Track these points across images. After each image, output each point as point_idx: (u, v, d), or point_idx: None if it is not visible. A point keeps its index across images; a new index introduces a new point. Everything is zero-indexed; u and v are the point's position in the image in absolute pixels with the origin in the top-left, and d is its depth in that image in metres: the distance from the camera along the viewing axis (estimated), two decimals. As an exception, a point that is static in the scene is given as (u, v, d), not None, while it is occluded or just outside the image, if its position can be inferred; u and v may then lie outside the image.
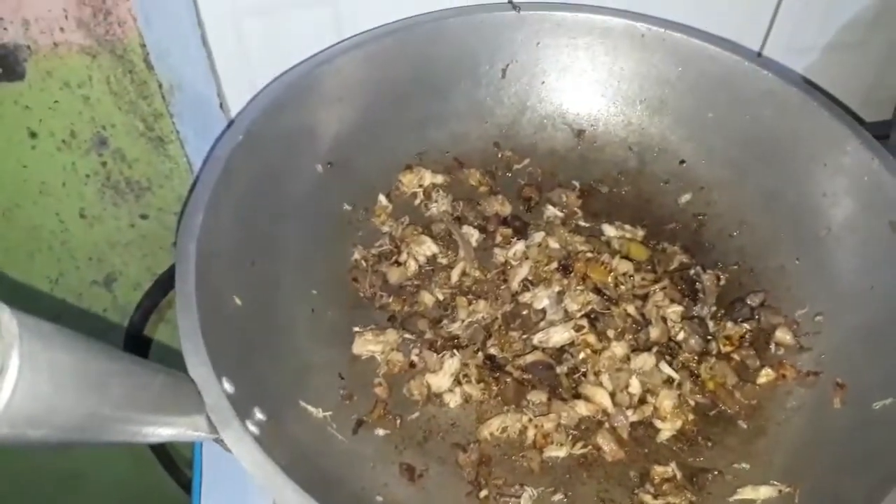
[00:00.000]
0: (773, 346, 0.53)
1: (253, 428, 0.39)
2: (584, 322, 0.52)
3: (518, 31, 0.62)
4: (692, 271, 0.56)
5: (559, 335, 0.52)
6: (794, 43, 0.69)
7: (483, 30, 0.62)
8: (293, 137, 0.56)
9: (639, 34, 0.61)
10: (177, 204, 0.78)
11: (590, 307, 0.53)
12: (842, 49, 0.71)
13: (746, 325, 0.53)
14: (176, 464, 0.91)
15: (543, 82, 0.64)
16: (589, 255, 0.56)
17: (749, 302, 0.54)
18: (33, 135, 0.68)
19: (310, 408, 0.48)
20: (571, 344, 0.52)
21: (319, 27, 0.62)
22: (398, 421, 0.50)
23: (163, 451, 0.88)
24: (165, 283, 0.70)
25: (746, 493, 0.45)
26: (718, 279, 0.56)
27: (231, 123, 0.52)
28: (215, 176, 0.48)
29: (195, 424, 0.36)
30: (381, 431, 0.49)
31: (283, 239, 0.54)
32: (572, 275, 0.55)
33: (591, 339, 0.51)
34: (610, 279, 0.54)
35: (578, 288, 0.54)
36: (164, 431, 0.35)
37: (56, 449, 0.29)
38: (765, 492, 0.45)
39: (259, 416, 0.41)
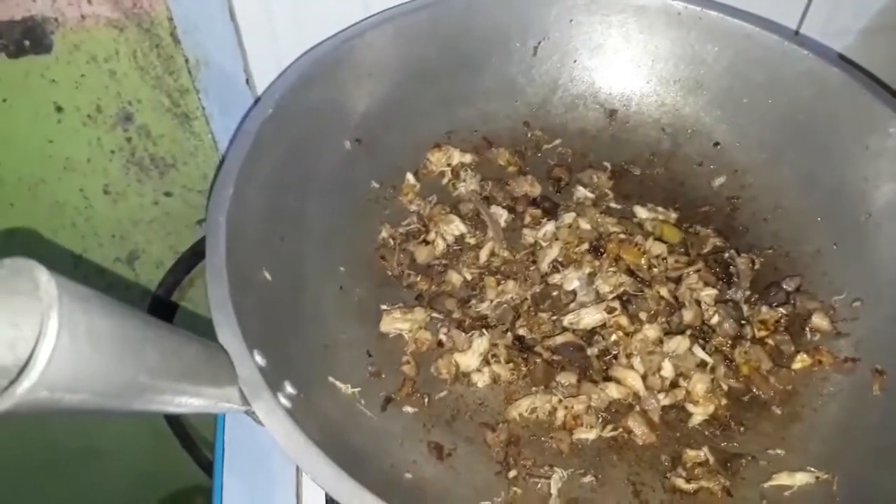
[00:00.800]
0: (808, 332, 0.52)
1: (284, 401, 0.38)
2: (616, 304, 0.51)
3: (551, 8, 0.61)
4: (726, 254, 0.55)
5: (591, 317, 0.51)
6: (831, 25, 0.67)
7: (515, 5, 0.61)
8: (322, 113, 0.55)
9: (675, 12, 0.60)
10: (201, 182, 0.78)
11: (622, 289, 0.52)
12: (879, 32, 0.69)
13: (782, 310, 0.52)
14: (195, 442, 0.91)
15: (575, 61, 0.63)
16: (622, 236, 0.55)
17: (785, 286, 0.53)
18: (59, 109, 0.68)
19: (338, 384, 0.47)
20: (603, 326, 0.51)
21: (347, 3, 0.61)
22: (426, 399, 0.49)
23: (181, 430, 0.88)
24: (189, 260, 0.69)
25: (782, 478, 0.45)
26: (753, 263, 0.55)
27: (260, 98, 0.51)
28: (245, 149, 0.48)
29: (227, 396, 0.36)
30: (409, 409, 0.49)
31: (312, 215, 0.54)
32: (604, 256, 0.54)
33: (624, 321, 0.51)
34: (643, 261, 0.53)
35: (610, 269, 0.53)
36: (195, 402, 0.34)
37: (91, 415, 0.29)
38: (801, 478, 0.44)
39: (290, 389, 0.41)
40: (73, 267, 0.79)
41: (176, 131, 0.72)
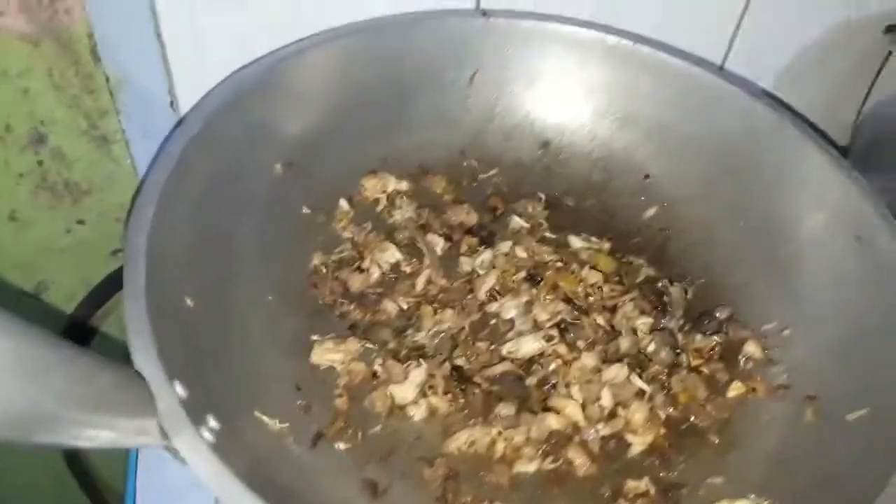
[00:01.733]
0: (741, 360, 0.53)
1: (208, 435, 0.35)
2: (555, 332, 0.50)
3: (487, 39, 0.61)
4: (660, 284, 0.55)
5: (529, 345, 0.50)
6: (754, 63, 0.70)
7: (452, 34, 0.60)
8: (251, 134, 0.53)
9: (609, 46, 0.61)
10: (118, 209, 0.74)
11: (560, 317, 0.51)
12: (799, 72, 0.72)
13: (715, 338, 0.53)
14: (98, 488, 0.85)
15: (511, 91, 0.63)
16: (559, 264, 0.54)
17: (717, 314, 0.54)
18: (-36, 127, 0.63)
19: (265, 418, 0.44)
20: (541, 355, 0.50)
21: (279, 27, 0.59)
22: (360, 434, 0.47)
23: (83, 474, 0.82)
24: (112, 284, 0.65)
25: (723, 507, 0.44)
26: (686, 292, 0.56)
27: (185, 115, 0.48)
28: (168, 169, 0.45)
29: (144, 428, 0.33)
30: (341, 445, 0.46)
31: (239, 240, 0.51)
32: (541, 284, 0.53)
33: (562, 349, 0.50)
34: (580, 289, 0.53)
35: (548, 297, 0.53)
36: (108, 434, 0.31)
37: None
38: (743, 506, 0.44)
39: (213, 423, 0.38)
40: (-29, 299, 0.74)
41: (93, 155, 0.68)
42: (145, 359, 0.36)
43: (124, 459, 0.89)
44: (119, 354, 0.76)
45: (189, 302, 0.44)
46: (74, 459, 0.80)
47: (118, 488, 0.93)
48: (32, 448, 0.27)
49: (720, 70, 0.67)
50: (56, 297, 0.79)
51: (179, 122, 0.48)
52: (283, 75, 0.55)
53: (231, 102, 0.50)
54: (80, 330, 0.73)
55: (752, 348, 0.52)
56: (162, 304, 0.40)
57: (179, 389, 0.36)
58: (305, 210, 0.57)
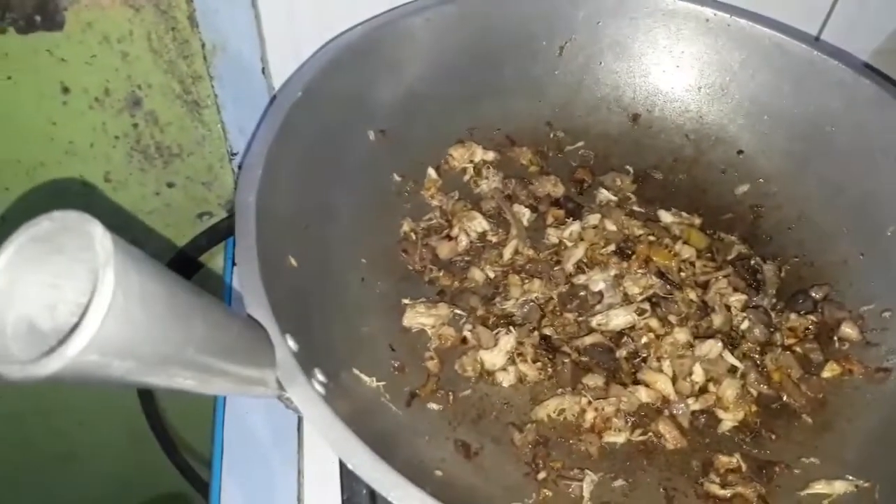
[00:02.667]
0: (837, 341, 0.51)
1: (318, 387, 0.36)
2: (647, 306, 0.50)
3: (579, 9, 0.60)
4: (752, 261, 0.55)
5: (620, 318, 0.50)
6: (851, 37, 0.67)
7: (543, 5, 0.60)
8: (349, 100, 0.54)
9: (703, 18, 0.60)
10: (206, 173, 0.75)
11: (652, 291, 0.51)
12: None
13: (811, 318, 0.52)
14: (175, 446, 0.88)
15: (601, 63, 0.62)
16: (651, 238, 0.54)
17: (812, 294, 0.53)
18: (66, 90, 0.65)
19: (363, 376, 0.45)
20: (631, 328, 0.50)
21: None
22: (451, 396, 0.48)
23: (163, 432, 0.85)
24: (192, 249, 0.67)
25: (820, 487, 0.44)
26: (780, 270, 0.54)
27: (289, 80, 0.49)
28: (274, 131, 0.46)
29: (263, 379, 0.34)
30: (434, 406, 0.47)
31: (336, 204, 0.52)
32: (633, 258, 0.53)
33: (654, 323, 0.50)
34: (673, 264, 0.52)
35: (640, 271, 0.52)
36: (231, 382, 0.32)
37: (126, 387, 0.27)
38: (840, 487, 0.43)
39: (320, 377, 0.39)
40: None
41: (184, 119, 0.70)
42: (260, 313, 0.37)
43: (202, 416, 0.92)
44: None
45: (293, 261, 0.45)
46: (153, 416, 0.83)
47: (195, 446, 0.97)
48: (167, 391, 0.28)
49: (816, 41, 0.64)
50: (143, 258, 0.82)
51: (282, 88, 0.49)
52: (378, 43, 0.55)
53: (329, 69, 0.51)
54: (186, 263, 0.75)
55: (848, 330, 0.51)
56: (270, 263, 0.41)
57: (291, 343, 0.37)
58: (396, 177, 0.58)
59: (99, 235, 0.24)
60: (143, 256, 0.26)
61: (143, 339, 0.25)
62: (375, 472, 0.33)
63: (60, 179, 0.72)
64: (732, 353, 0.49)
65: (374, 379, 0.46)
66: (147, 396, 0.82)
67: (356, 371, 0.45)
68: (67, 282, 0.27)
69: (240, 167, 0.73)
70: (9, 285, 0.25)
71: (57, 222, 0.25)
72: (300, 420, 0.57)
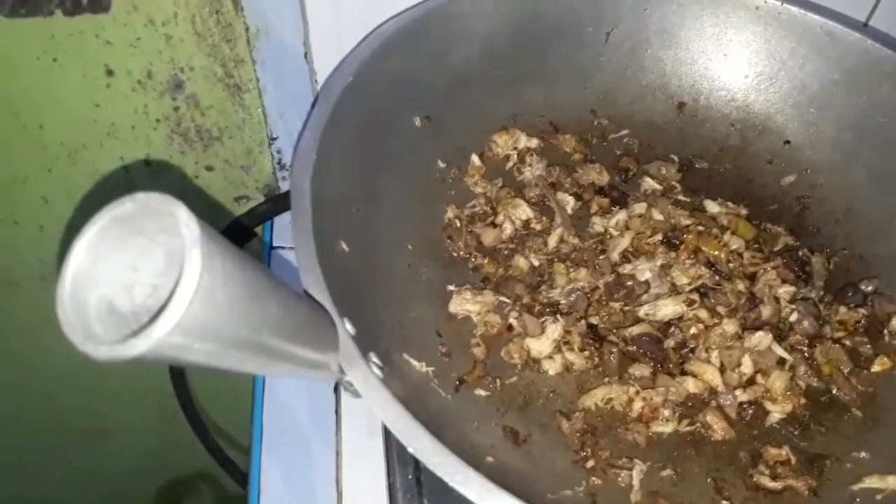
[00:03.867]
0: (887, 335, 0.51)
1: (377, 370, 0.37)
2: (696, 296, 0.50)
3: (628, -2, 0.60)
4: (800, 253, 0.54)
5: (669, 308, 0.50)
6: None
7: (591, -9, 0.59)
8: (396, 86, 0.53)
9: (753, 6, 0.59)
10: (245, 157, 0.76)
11: (700, 281, 0.51)
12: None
13: (861, 311, 0.51)
14: (205, 426, 0.89)
15: (647, 50, 0.62)
16: (700, 228, 0.53)
17: (863, 287, 0.52)
18: (110, 72, 0.66)
19: (413, 361, 0.46)
20: (679, 318, 0.50)
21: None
22: (497, 383, 0.48)
23: (193, 412, 0.86)
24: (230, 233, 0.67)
25: (872, 482, 0.43)
26: (828, 262, 0.54)
27: (340, 64, 0.49)
28: (326, 116, 0.46)
29: (326, 362, 0.34)
30: (481, 392, 0.47)
31: (382, 190, 0.52)
32: (681, 248, 0.53)
33: (703, 314, 0.49)
34: (722, 255, 0.52)
35: (688, 261, 0.52)
36: (297, 366, 0.33)
37: (202, 370, 0.27)
38: (894, 482, 0.43)
39: (375, 359, 0.39)
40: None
41: (225, 103, 0.70)
42: (320, 297, 0.37)
43: (232, 398, 0.93)
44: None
45: (344, 246, 0.45)
46: (185, 397, 0.84)
47: (225, 427, 0.98)
48: (237, 374, 0.29)
49: (864, 27, 0.63)
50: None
51: (334, 72, 0.49)
52: (426, 28, 0.55)
53: (379, 54, 0.51)
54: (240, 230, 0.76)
55: (899, 323, 0.50)
56: (324, 246, 0.41)
57: (349, 327, 0.37)
58: (440, 164, 0.57)
59: (184, 218, 0.24)
60: (223, 239, 0.26)
61: (224, 320, 0.25)
62: (436, 457, 0.33)
63: (101, 162, 0.72)
64: (781, 345, 0.49)
65: (424, 364, 0.46)
66: (179, 378, 0.83)
67: (406, 356, 0.45)
68: (145, 263, 0.27)
69: (279, 154, 0.73)
70: (91, 265, 0.26)
71: (139, 203, 0.25)
72: (338, 403, 0.58)
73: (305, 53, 0.65)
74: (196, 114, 0.71)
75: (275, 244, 0.73)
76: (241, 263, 0.26)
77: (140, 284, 0.27)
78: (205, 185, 0.77)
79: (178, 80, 0.68)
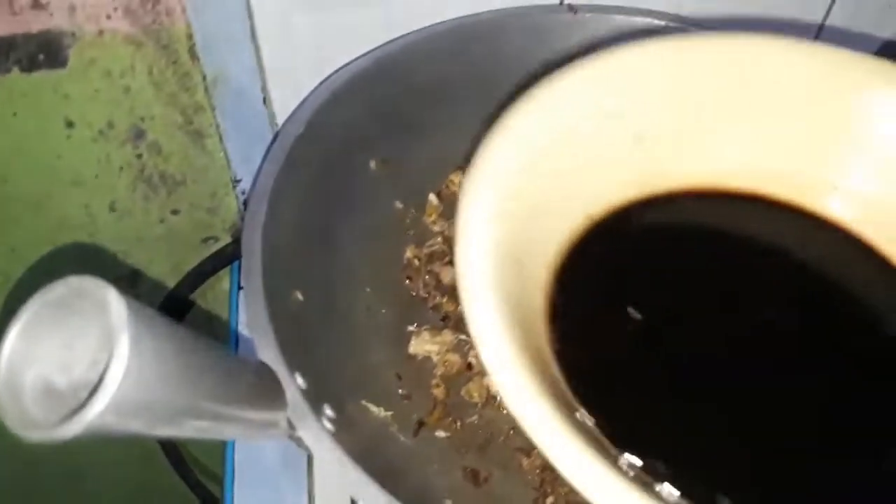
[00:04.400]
0: None
1: (328, 425, 0.37)
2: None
3: (574, 34, 0.61)
4: None
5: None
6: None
7: (538, 31, 0.61)
8: (350, 132, 0.54)
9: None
10: (210, 200, 0.77)
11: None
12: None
13: None
14: (185, 462, 0.89)
15: (598, 84, 0.63)
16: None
17: None
18: (70, 124, 0.67)
19: (372, 407, 0.46)
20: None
21: (369, 27, 0.61)
22: (458, 423, 0.48)
23: (173, 450, 0.86)
24: (214, 263, 0.68)
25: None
26: None
27: (293, 114, 0.50)
28: (277, 168, 0.47)
29: (274, 421, 0.35)
30: (441, 433, 0.48)
31: (338, 235, 0.53)
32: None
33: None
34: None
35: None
36: (240, 428, 0.33)
37: (140, 440, 0.28)
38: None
39: (329, 412, 0.40)
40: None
41: (187, 149, 0.71)
42: (270, 354, 0.38)
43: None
44: (209, 331, 0.79)
45: (299, 296, 0.46)
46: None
47: (207, 464, 0.98)
48: (181, 440, 0.29)
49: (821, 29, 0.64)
50: (148, 284, 0.83)
51: (285, 123, 0.50)
52: (376, 75, 0.56)
53: (330, 102, 0.52)
54: (177, 304, 0.77)
55: None
56: (276, 299, 0.42)
57: (300, 381, 0.38)
58: (398, 204, 0.58)
59: (114, 301, 0.25)
60: (156, 316, 0.26)
61: (157, 397, 0.26)
62: (387, 511, 0.34)
63: (66, 210, 0.73)
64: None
65: (382, 409, 0.47)
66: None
67: (364, 402, 0.46)
68: (82, 341, 0.28)
69: (248, 193, 0.74)
70: (25, 348, 0.26)
71: (72, 287, 0.25)
72: (309, 445, 0.58)
73: (264, 98, 0.66)
74: (159, 160, 0.72)
75: (242, 284, 0.73)
76: (176, 340, 0.27)
77: (78, 361, 0.28)
78: (170, 228, 0.78)
79: (139, 129, 0.69)
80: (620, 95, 0.44)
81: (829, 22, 0.65)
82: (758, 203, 0.48)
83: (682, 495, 0.33)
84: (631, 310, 0.41)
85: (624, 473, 0.28)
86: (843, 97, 0.46)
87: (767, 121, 0.47)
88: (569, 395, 0.35)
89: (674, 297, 0.44)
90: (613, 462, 0.30)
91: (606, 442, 0.33)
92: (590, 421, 0.34)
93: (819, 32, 0.65)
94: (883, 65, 0.45)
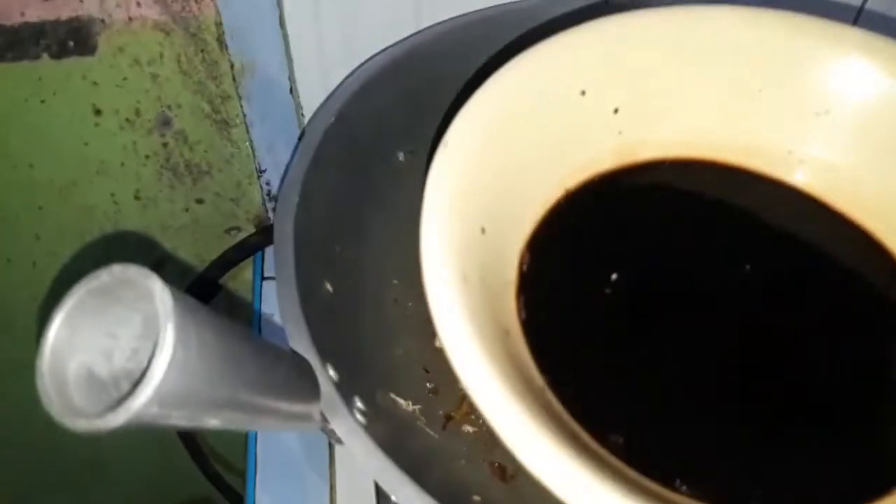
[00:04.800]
0: None
1: (360, 417, 0.37)
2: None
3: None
4: None
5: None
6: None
7: (570, 20, 0.60)
8: (379, 123, 0.54)
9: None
10: (234, 189, 0.77)
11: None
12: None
13: None
14: (203, 453, 0.89)
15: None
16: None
17: None
18: (98, 112, 0.67)
19: (400, 400, 0.46)
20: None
21: (398, 16, 0.60)
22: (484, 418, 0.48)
23: (191, 441, 0.86)
24: (243, 250, 0.68)
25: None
26: None
27: (324, 103, 0.50)
28: (309, 157, 0.47)
29: (308, 413, 0.35)
30: (468, 428, 0.48)
31: (366, 226, 0.53)
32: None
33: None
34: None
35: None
36: (275, 420, 0.33)
37: (184, 430, 0.27)
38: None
39: (360, 405, 0.39)
40: (99, 273, 0.78)
41: (213, 138, 0.71)
42: (302, 345, 0.37)
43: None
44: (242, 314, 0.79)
45: (329, 287, 0.46)
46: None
47: (222, 451, 0.99)
48: (220, 431, 0.29)
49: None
50: (172, 272, 0.83)
51: (315, 114, 0.49)
52: (405, 66, 0.56)
53: (360, 94, 0.52)
54: (201, 292, 0.77)
55: None
56: (308, 290, 0.42)
57: (332, 373, 0.38)
58: (425, 197, 0.58)
59: (158, 291, 0.24)
60: (199, 306, 0.26)
61: (201, 388, 0.26)
62: (419, 504, 0.34)
63: (92, 198, 0.73)
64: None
65: (410, 402, 0.46)
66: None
67: (392, 395, 0.46)
68: (123, 329, 0.28)
69: (269, 186, 0.74)
70: (69, 336, 0.26)
71: (115, 276, 0.25)
72: (332, 436, 0.58)
73: (291, 88, 0.66)
74: (185, 149, 0.72)
75: (266, 275, 0.73)
76: (218, 330, 0.27)
77: (119, 349, 0.28)
78: (195, 217, 0.78)
79: (166, 118, 0.69)
80: (595, 69, 0.45)
81: (868, 6, 0.64)
82: (730, 172, 0.49)
83: (640, 473, 0.34)
84: (601, 277, 0.42)
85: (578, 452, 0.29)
86: (807, 65, 0.46)
87: (734, 91, 0.48)
88: (532, 366, 0.36)
89: (645, 264, 0.45)
90: (571, 440, 0.30)
91: (565, 414, 0.34)
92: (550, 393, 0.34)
93: (857, 16, 0.64)
94: (848, 31, 0.45)
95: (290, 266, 0.41)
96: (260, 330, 0.65)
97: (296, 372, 0.34)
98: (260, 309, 0.67)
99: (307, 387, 0.34)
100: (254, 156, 0.72)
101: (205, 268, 0.77)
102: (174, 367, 0.24)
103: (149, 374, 0.23)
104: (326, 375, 0.37)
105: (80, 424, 0.24)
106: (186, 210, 0.78)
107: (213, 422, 0.28)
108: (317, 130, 0.48)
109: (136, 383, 0.24)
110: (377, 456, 0.35)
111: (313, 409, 0.35)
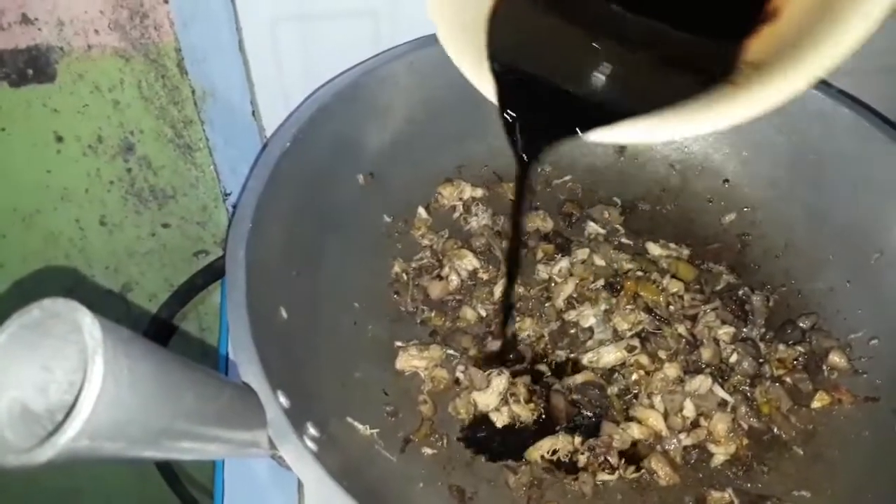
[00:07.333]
0: (825, 370, 0.52)
1: (310, 444, 0.37)
2: (636, 342, 0.51)
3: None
4: (741, 292, 0.55)
5: (610, 355, 0.50)
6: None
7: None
8: (337, 146, 0.54)
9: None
10: (200, 213, 0.76)
11: (641, 327, 0.52)
12: (873, 74, 0.70)
13: (799, 348, 0.52)
14: (178, 478, 0.88)
15: (585, 97, 0.63)
16: (639, 273, 0.54)
17: (800, 324, 0.53)
18: (59, 139, 0.67)
19: (357, 424, 0.46)
20: (622, 364, 0.51)
21: (357, 39, 0.61)
22: (444, 440, 0.48)
23: (166, 466, 0.85)
24: (195, 284, 0.68)
25: (811, 521, 0.44)
26: (768, 300, 0.55)
27: (277, 130, 0.50)
28: (262, 183, 0.47)
29: (255, 440, 0.35)
30: (428, 451, 0.48)
31: (325, 250, 0.53)
32: (621, 293, 0.54)
33: (644, 360, 0.50)
34: (661, 299, 0.53)
35: (628, 307, 0.53)
36: (225, 447, 0.33)
37: (120, 464, 0.27)
38: (831, 520, 0.44)
39: (312, 431, 0.39)
40: (65, 300, 0.77)
41: (177, 162, 0.71)
42: (251, 374, 0.37)
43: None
44: (196, 353, 0.78)
45: (283, 313, 0.46)
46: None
47: (199, 479, 0.97)
48: (161, 461, 0.29)
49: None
50: (140, 297, 0.83)
51: (271, 138, 0.50)
52: (366, 87, 0.56)
53: (318, 116, 0.52)
54: (162, 328, 0.76)
55: (836, 358, 0.51)
56: (260, 316, 0.42)
57: (282, 399, 0.38)
58: (386, 218, 0.58)
59: (87, 323, 0.24)
60: (132, 337, 0.26)
61: (132, 419, 0.26)
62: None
63: (56, 225, 0.73)
64: (722, 387, 0.50)
65: (368, 427, 0.46)
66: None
67: (349, 419, 0.46)
68: (58, 363, 0.27)
69: (234, 209, 0.74)
70: (1, 372, 0.26)
71: (46, 310, 0.25)
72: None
73: (253, 112, 0.66)
74: (149, 174, 0.72)
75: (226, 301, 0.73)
76: (153, 360, 0.27)
77: (56, 383, 0.28)
78: (161, 242, 0.78)
79: (129, 143, 0.69)
80: None
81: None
82: None
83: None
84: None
85: None
86: None
87: None
88: None
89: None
90: None
91: None
92: None
93: None
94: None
95: (242, 292, 0.41)
96: (227, 353, 0.65)
97: (239, 400, 0.34)
98: (227, 332, 0.67)
99: (252, 414, 0.34)
100: (218, 179, 0.72)
101: (170, 294, 0.77)
102: (104, 400, 0.24)
103: (77, 408, 0.23)
104: (276, 402, 0.37)
105: (10, 460, 0.24)
106: (153, 235, 0.77)
107: (153, 452, 0.28)
108: (272, 154, 0.48)
109: (67, 417, 0.23)
110: (326, 482, 0.35)
111: (260, 437, 0.34)
